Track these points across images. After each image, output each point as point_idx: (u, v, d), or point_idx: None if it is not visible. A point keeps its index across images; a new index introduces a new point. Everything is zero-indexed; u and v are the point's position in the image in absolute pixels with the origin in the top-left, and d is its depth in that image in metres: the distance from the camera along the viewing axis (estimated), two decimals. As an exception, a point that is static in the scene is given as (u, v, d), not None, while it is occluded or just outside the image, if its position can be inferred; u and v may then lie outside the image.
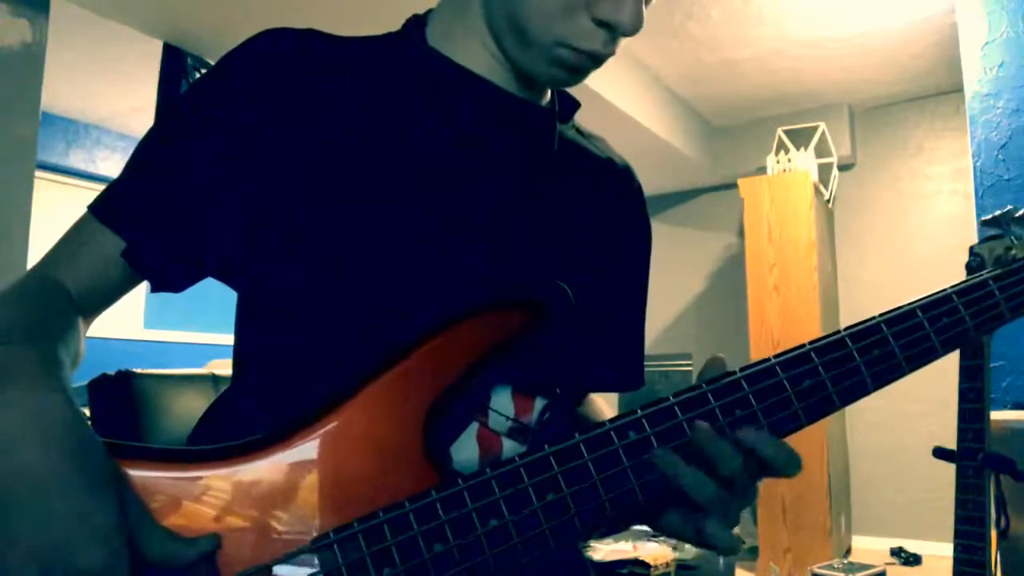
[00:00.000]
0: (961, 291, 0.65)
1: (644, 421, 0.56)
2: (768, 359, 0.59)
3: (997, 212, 0.80)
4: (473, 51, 0.69)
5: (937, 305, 0.64)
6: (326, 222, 0.63)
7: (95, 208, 0.64)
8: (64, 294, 0.60)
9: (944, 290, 0.65)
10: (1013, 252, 0.75)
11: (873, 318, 0.62)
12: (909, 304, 0.64)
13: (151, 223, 0.63)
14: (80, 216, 0.65)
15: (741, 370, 0.58)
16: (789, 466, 0.55)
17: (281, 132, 0.63)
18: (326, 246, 0.62)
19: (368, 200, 0.63)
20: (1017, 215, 0.77)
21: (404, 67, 0.69)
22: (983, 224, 0.83)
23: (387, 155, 0.65)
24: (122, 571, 0.43)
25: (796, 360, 0.59)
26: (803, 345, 0.60)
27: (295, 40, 0.66)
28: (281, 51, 0.65)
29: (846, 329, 0.61)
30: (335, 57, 0.67)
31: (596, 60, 0.66)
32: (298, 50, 0.66)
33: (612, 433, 0.55)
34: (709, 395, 0.57)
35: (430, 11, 0.74)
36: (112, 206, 0.64)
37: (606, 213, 0.78)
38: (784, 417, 0.58)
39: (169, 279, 0.65)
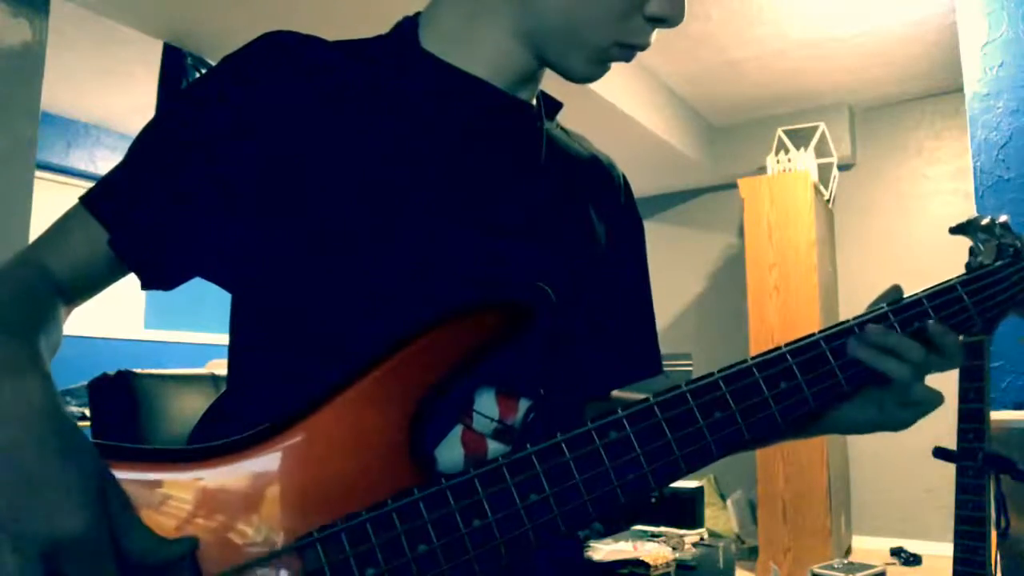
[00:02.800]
0: (931, 295, 0.67)
1: (624, 421, 0.56)
2: (745, 360, 0.60)
3: (963, 220, 0.82)
4: (475, 54, 0.69)
5: (908, 309, 0.66)
6: (323, 226, 0.63)
7: (84, 198, 0.64)
8: (47, 279, 0.61)
9: (916, 294, 0.67)
10: (980, 259, 0.76)
11: (847, 321, 0.64)
12: (880, 308, 0.65)
13: (137, 216, 0.63)
14: (71, 206, 0.65)
15: (719, 371, 0.59)
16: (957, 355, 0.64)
17: (279, 135, 0.63)
18: (323, 249, 0.63)
19: (367, 203, 0.63)
20: (983, 223, 0.79)
21: (401, 71, 0.69)
22: (951, 232, 0.85)
23: (386, 159, 0.65)
24: (102, 540, 0.44)
25: (772, 361, 0.60)
26: (779, 347, 0.61)
27: (296, 43, 0.67)
28: (282, 54, 0.65)
29: (821, 332, 0.63)
30: (334, 61, 0.67)
31: (633, 53, 0.70)
32: (299, 53, 0.66)
33: (593, 433, 0.55)
34: (688, 395, 0.58)
35: (419, 14, 0.74)
36: (101, 197, 0.64)
37: (596, 208, 0.78)
38: (761, 419, 0.59)
39: (156, 275, 0.65)
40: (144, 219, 0.63)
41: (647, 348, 0.84)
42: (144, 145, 0.66)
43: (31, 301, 0.57)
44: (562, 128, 0.81)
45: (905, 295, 0.68)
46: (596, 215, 0.78)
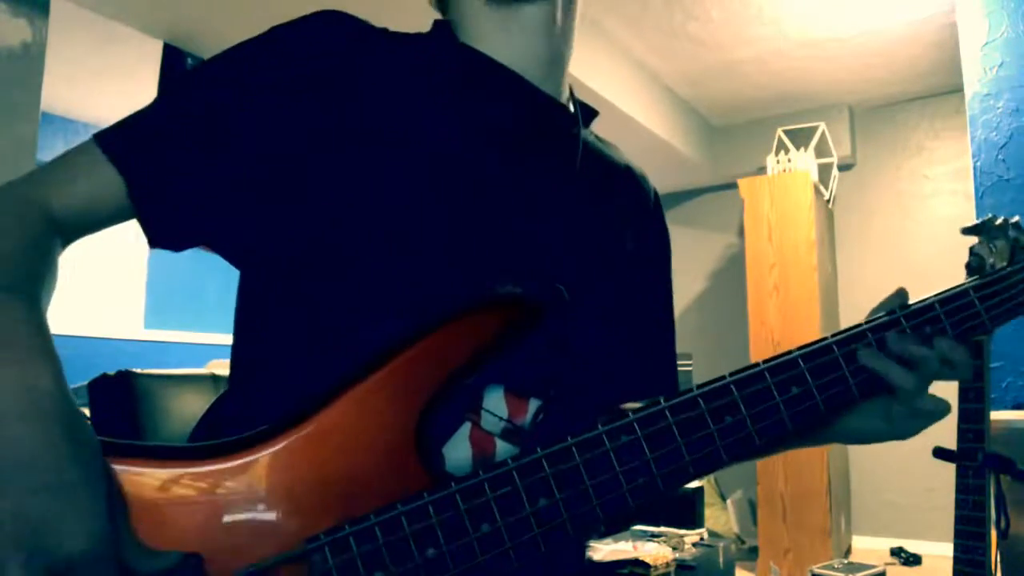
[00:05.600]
0: (943, 300, 0.66)
1: (635, 424, 0.55)
2: (756, 364, 0.59)
3: (977, 221, 0.81)
4: (500, 42, 0.69)
5: (920, 314, 0.65)
6: (347, 211, 0.62)
7: (102, 139, 0.61)
8: (48, 220, 0.58)
9: (927, 298, 0.66)
10: (992, 261, 0.75)
11: (859, 325, 0.64)
12: (893, 313, 0.64)
13: (157, 167, 0.60)
14: (82, 142, 0.62)
15: (730, 375, 0.59)
16: (967, 369, 0.63)
17: (314, 113, 0.62)
18: (344, 236, 0.62)
19: (396, 192, 0.63)
20: (996, 224, 0.77)
21: (442, 62, 0.69)
22: (963, 232, 0.84)
23: (423, 148, 0.64)
24: (110, 554, 0.43)
25: (784, 365, 0.60)
26: (790, 351, 0.60)
27: (345, 24, 0.66)
28: (330, 32, 0.65)
29: (832, 336, 0.62)
30: (380, 46, 0.67)
31: None
32: (346, 34, 0.66)
33: (604, 436, 0.55)
34: (699, 399, 0.57)
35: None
36: (120, 141, 0.61)
37: (626, 217, 0.78)
38: (772, 424, 0.58)
39: (166, 233, 0.62)
40: (165, 174, 0.60)
41: (665, 365, 0.83)
42: (176, 99, 0.63)
43: (35, 251, 0.55)
44: (596, 136, 0.81)
45: (912, 297, 0.66)
46: (626, 224, 0.78)
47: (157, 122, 0.62)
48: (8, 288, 0.50)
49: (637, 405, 0.58)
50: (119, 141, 0.61)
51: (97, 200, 0.60)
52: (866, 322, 0.64)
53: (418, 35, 0.72)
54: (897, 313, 0.64)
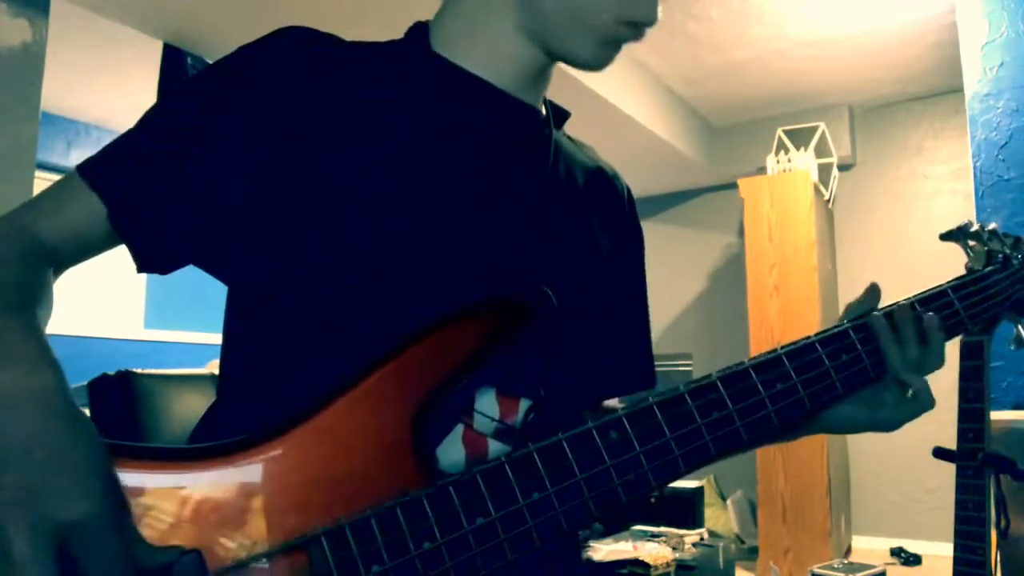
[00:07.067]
0: (922, 300, 0.69)
1: (625, 420, 0.57)
2: (742, 363, 0.61)
3: (953, 227, 0.84)
4: (482, 55, 0.70)
5: (901, 315, 0.67)
6: (327, 223, 0.63)
7: (83, 168, 0.63)
8: (40, 249, 0.60)
9: (908, 298, 0.69)
10: (968, 264, 0.78)
11: (840, 324, 0.66)
12: (868, 312, 0.68)
13: (137, 193, 0.62)
14: (68, 173, 0.64)
15: (717, 372, 0.60)
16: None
17: (288, 129, 0.63)
18: (326, 247, 0.63)
19: (372, 203, 0.63)
20: (972, 230, 0.81)
21: (412, 73, 0.70)
22: (941, 238, 0.87)
23: (395, 160, 0.65)
24: (107, 524, 0.44)
25: (769, 364, 0.61)
26: (775, 350, 0.63)
27: (312, 39, 0.67)
28: (298, 49, 0.66)
29: (816, 335, 0.65)
30: (348, 59, 0.68)
31: (642, 31, 0.69)
32: (314, 49, 0.66)
33: (594, 432, 0.56)
34: (687, 396, 0.58)
35: (429, 21, 0.74)
36: (100, 169, 0.63)
37: (599, 218, 0.79)
38: (758, 419, 0.60)
39: (154, 258, 0.64)
40: (146, 199, 0.62)
41: (642, 360, 0.85)
42: (152, 124, 0.65)
43: (31, 277, 0.57)
44: (569, 137, 0.82)
45: (902, 297, 0.69)
46: (600, 225, 0.78)
47: (135, 149, 0.64)
48: (8, 308, 0.52)
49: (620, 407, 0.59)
50: (100, 170, 0.63)
51: (84, 229, 0.62)
52: (848, 321, 0.67)
53: (390, 43, 0.72)
54: (880, 312, 0.68)
